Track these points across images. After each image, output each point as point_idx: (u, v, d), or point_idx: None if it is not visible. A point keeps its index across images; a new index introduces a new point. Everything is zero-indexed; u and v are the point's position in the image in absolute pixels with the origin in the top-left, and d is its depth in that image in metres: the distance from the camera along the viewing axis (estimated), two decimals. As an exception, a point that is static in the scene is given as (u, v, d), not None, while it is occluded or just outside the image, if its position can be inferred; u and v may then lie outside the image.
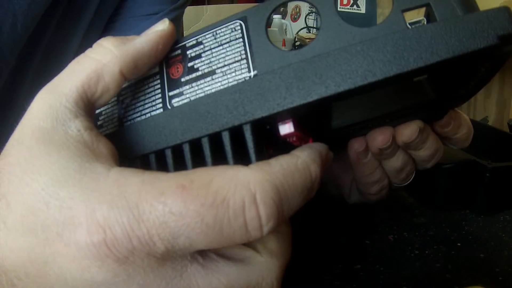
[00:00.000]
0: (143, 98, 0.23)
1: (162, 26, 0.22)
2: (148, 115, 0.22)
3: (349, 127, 0.26)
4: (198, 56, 0.22)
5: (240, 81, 0.20)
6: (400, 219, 0.35)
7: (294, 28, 1.50)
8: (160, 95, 0.22)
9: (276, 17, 1.51)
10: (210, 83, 0.21)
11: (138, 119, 0.22)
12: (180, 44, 0.22)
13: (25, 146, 0.19)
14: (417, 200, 0.39)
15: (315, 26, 1.41)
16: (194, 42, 0.22)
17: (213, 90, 0.21)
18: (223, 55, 0.21)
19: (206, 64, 0.21)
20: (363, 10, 1.25)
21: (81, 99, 0.20)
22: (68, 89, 0.20)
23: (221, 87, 0.20)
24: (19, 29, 0.37)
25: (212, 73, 0.21)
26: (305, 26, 1.38)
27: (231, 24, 0.21)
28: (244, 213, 0.17)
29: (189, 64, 0.22)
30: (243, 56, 0.20)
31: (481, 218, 0.35)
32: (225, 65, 0.21)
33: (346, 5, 1.26)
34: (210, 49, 0.21)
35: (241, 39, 0.21)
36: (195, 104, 0.21)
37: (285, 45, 1.28)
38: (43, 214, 0.18)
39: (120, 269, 0.17)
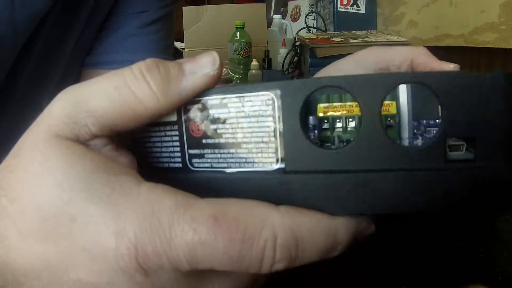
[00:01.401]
0: (159, 145, 0.22)
1: (212, 68, 0.20)
2: (166, 165, 0.22)
3: None
4: (222, 121, 0.20)
5: (265, 170, 0.19)
6: (400, 219, 0.35)
7: (294, 28, 1.50)
8: (178, 149, 0.21)
9: (276, 17, 1.51)
10: (234, 156, 0.20)
11: (155, 165, 0.22)
12: (201, 98, 0.20)
13: (40, 152, 0.18)
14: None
15: (315, 26, 1.41)
16: (218, 102, 0.20)
17: (236, 166, 0.20)
18: (250, 130, 0.19)
19: (231, 133, 0.20)
20: (363, 10, 1.25)
21: (108, 127, 0.19)
22: (98, 112, 0.19)
23: (245, 167, 0.20)
24: (19, 37, 0.37)
25: (237, 145, 0.20)
26: (305, 26, 1.38)
27: (261, 95, 0.19)
28: (263, 253, 0.18)
29: (212, 127, 0.20)
30: (272, 139, 0.19)
31: (481, 218, 0.35)
32: (251, 142, 0.19)
33: (346, 5, 1.26)
34: (236, 117, 0.20)
35: (271, 118, 0.19)
36: (216, 179, 0.20)
37: (285, 45, 1.29)
38: (67, 227, 0.18)
39: (147, 280, 0.18)
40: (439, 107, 0.17)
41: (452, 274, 0.28)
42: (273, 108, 0.19)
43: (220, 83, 0.21)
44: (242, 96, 0.19)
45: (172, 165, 0.21)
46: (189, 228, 0.17)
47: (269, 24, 1.50)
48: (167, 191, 0.18)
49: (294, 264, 0.18)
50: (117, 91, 0.19)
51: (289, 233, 0.18)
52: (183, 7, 1.27)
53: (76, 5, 0.43)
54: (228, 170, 0.20)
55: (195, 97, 0.20)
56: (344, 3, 1.26)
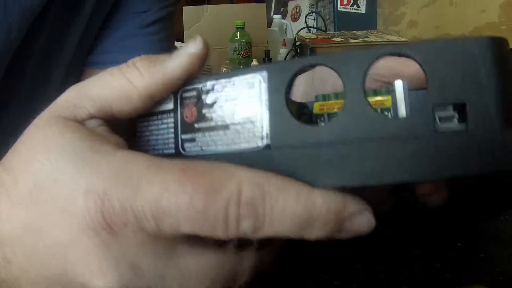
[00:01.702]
0: (156, 132, 0.23)
1: (195, 47, 0.21)
2: (161, 151, 0.23)
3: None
4: (213, 105, 0.21)
5: (251, 148, 0.19)
6: (400, 219, 0.35)
7: (294, 28, 1.50)
8: (173, 135, 0.22)
9: (276, 17, 1.51)
10: (222, 137, 0.20)
11: (151, 153, 0.23)
12: (196, 86, 0.22)
13: (41, 129, 0.20)
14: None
15: (315, 26, 1.41)
16: (210, 87, 0.21)
17: (224, 147, 0.20)
18: (238, 111, 0.20)
19: (220, 116, 0.21)
20: (363, 10, 1.25)
21: (105, 111, 0.21)
22: (96, 96, 0.21)
23: (233, 148, 0.20)
24: (13, 35, 0.37)
25: (225, 127, 0.20)
26: (305, 26, 1.38)
27: (249, 77, 0.20)
28: (228, 208, 0.17)
29: (203, 111, 0.21)
30: (259, 118, 0.19)
31: (481, 218, 0.35)
32: (239, 123, 0.20)
33: (346, 5, 1.26)
34: (226, 100, 0.20)
35: (258, 98, 0.19)
36: (204, 159, 0.20)
37: (285, 45, 1.29)
38: (49, 189, 0.19)
39: (113, 241, 0.18)
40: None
41: (452, 274, 0.28)
42: (260, 89, 0.19)
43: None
44: (232, 80, 0.20)
45: (166, 151, 0.22)
46: (157, 180, 0.18)
47: (269, 24, 1.50)
48: (142, 155, 0.19)
49: (263, 227, 0.18)
50: (112, 77, 0.22)
51: (255, 187, 0.17)
52: (183, 7, 1.27)
53: (77, 3, 0.43)
54: (216, 151, 0.21)
55: (190, 85, 0.22)
56: (344, 3, 1.26)
